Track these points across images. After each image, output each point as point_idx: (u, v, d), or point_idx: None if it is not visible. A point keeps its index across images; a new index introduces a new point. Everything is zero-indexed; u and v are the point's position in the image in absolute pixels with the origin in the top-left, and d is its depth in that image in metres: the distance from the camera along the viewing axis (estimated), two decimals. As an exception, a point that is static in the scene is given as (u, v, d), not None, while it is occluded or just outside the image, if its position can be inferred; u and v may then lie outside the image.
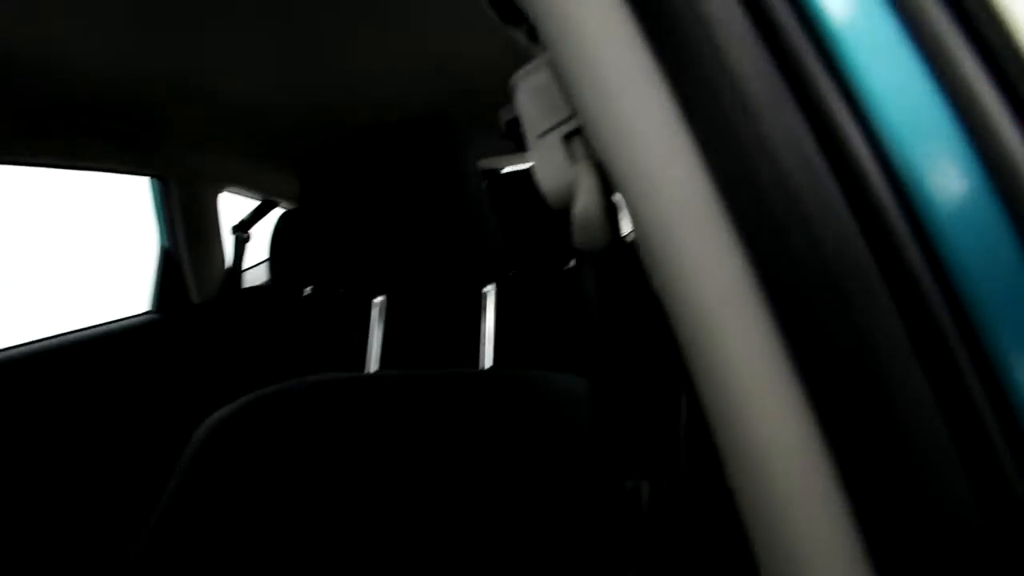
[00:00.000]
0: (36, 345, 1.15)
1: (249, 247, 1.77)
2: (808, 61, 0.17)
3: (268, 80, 1.12)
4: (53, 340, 1.18)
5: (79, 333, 1.24)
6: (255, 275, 1.81)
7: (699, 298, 0.18)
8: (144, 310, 1.48)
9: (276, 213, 1.76)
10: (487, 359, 0.63)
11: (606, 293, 0.27)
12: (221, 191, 1.61)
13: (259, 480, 0.48)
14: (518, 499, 0.43)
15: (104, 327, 1.32)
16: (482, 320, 0.64)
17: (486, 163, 2.07)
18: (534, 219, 1.13)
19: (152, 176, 1.40)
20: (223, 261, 1.67)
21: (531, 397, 0.48)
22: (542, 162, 0.25)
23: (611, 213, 0.24)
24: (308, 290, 1.62)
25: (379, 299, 0.72)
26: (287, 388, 0.55)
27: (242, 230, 1.76)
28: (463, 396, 0.51)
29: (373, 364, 0.69)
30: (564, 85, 0.24)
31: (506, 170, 1.84)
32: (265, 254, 1.55)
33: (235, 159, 1.56)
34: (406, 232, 0.51)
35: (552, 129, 0.25)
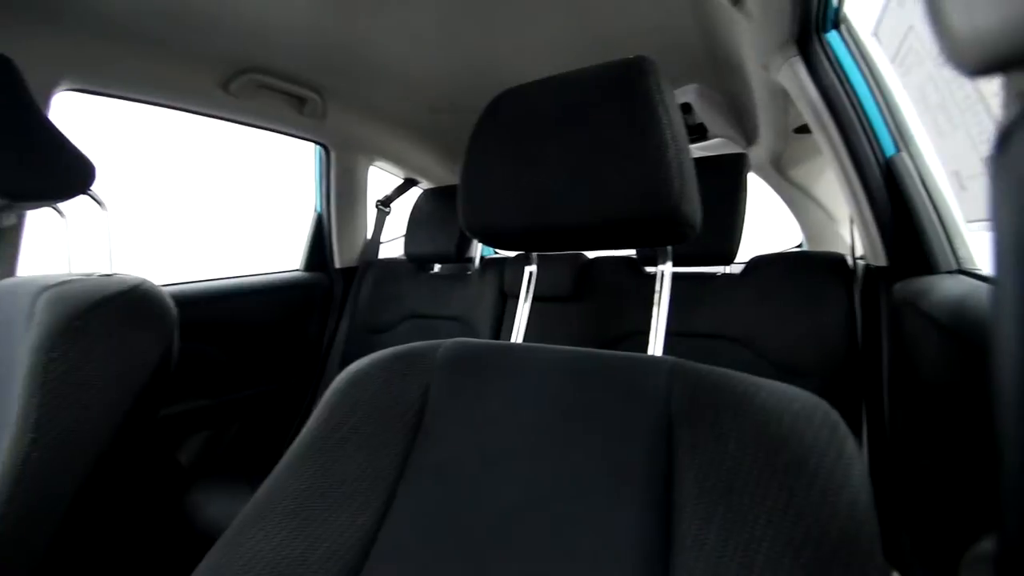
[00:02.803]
0: (214, 283, 1.35)
1: (389, 220, 1.85)
2: None
3: (429, 61, 1.14)
4: (232, 280, 1.40)
5: (249, 278, 1.44)
6: (392, 248, 1.89)
7: None
8: (295, 268, 1.61)
9: (416, 191, 1.82)
10: (657, 349, 0.52)
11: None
12: (371, 164, 1.69)
13: (389, 428, 0.47)
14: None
15: (267, 276, 1.49)
16: (656, 303, 0.54)
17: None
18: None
19: (318, 144, 1.51)
20: (365, 231, 1.76)
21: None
22: None
23: None
24: (437, 268, 1.64)
25: (531, 268, 0.65)
26: (427, 345, 0.52)
27: (384, 204, 1.85)
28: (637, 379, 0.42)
29: (518, 338, 0.62)
30: None
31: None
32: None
33: (387, 134, 1.63)
34: (586, 177, 0.44)
35: None
